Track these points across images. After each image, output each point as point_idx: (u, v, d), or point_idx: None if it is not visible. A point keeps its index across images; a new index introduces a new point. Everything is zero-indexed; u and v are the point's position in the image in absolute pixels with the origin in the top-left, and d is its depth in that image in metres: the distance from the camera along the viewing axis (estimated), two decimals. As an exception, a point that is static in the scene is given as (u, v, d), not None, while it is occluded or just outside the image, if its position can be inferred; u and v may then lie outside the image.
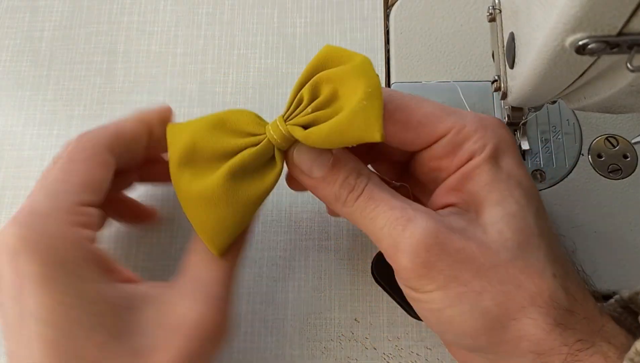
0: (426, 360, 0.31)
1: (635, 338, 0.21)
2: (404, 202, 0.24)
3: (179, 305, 0.24)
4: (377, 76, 0.23)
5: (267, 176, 0.25)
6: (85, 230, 0.24)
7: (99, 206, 0.25)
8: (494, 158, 0.24)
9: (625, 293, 0.24)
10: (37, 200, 0.24)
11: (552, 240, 0.24)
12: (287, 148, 0.25)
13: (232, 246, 0.26)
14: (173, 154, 0.25)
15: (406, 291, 0.24)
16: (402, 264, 0.23)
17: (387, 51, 0.38)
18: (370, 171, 0.26)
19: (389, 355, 0.31)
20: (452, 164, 0.25)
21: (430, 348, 0.31)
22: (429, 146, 0.25)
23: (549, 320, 0.22)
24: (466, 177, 0.24)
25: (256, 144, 0.24)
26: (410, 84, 0.36)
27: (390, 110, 0.24)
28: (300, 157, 0.25)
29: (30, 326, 0.21)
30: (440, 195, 0.25)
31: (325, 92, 0.23)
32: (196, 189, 0.24)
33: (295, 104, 0.24)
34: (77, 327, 0.21)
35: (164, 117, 0.28)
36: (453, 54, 0.36)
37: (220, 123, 0.25)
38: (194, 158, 0.24)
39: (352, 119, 0.22)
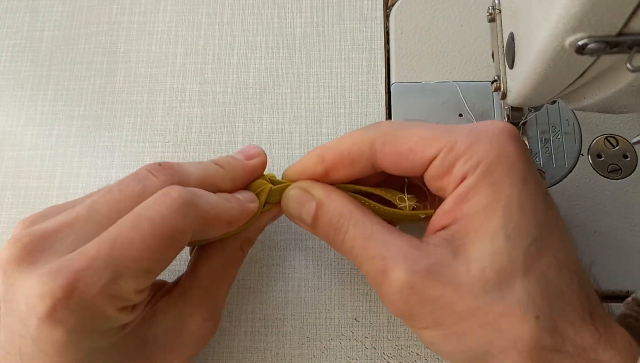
0: (426, 360, 0.31)
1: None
2: (384, 247, 0.24)
3: (194, 317, 0.26)
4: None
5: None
6: (123, 314, 0.22)
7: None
8: (491, 176, 0.23)
9: None
10: (89, 255, 0.21)
11: (550, 268, 0.22)
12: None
13: (234, 261, 0.28)
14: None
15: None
16: (390, 309, 0.24)
17: (387, 51, 0.38)
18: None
19: (389, 355, 0.31)
20: (449, 183, 0.24)
21: (430, 348, 0.31)
22: (426, 169, 0.25)
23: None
24: (461, 199, 0.23)
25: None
26: (410, 84, 0.36)
27: (380, 144, 0.25)
28: (288, 208, 0.27)
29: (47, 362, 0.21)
30: (438, 216, 0.25)
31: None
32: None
33: None
34: None
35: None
36: (453, 54, 0.36)
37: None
38: None
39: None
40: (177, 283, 0.27)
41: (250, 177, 0.28)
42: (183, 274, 0.28)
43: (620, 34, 0.17)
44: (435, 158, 0.24)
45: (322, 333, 0.31)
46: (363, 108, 0.36)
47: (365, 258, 0.24)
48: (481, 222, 0.22)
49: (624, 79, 0.19)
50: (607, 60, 0.19)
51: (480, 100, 0.35)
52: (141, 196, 0.22)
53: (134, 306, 0.23)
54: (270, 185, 0.28)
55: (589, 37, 0.17)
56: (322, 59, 0.38)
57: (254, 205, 0.26)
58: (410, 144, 0.24)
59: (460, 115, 0.35)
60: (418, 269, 0.23)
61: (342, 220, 0.25)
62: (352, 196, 0.26)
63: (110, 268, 0.20)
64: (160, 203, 0.21)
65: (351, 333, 0.31)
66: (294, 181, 0.27)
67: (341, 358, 0.31)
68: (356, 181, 0.27)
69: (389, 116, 0.36)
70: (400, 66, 0.36)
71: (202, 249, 0.28)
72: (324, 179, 0.27)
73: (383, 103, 0.36)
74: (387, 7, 0.39)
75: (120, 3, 0.40)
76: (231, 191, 0.27)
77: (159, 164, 0.24)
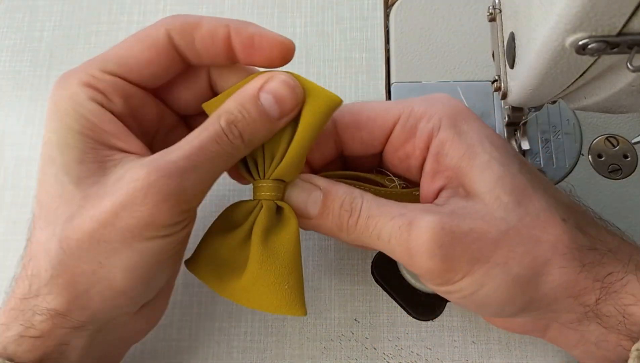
0: (426, 360, 0.31)
1: None
2: (402, 207, 0.24)
3: (138, 167, 0.22)
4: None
5: (288, 223, 0.25)
6: (97, 94, 0.23)
7: (132, 82, 0.24)
8: (457, 127, 0.24)
9: None
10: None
11: (547, 186, 0.24)
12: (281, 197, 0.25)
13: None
14: (208, 283, 0.26)
15: (434, 288, 0.25)
16: (422, 266, 0.23)
17: (387, 51, 0.38)
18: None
19: (389, 355, 0.31)
20: (415, 146, 0.25)
21: (430, 348, 0.31)
22: (387, 139, 0.26)
23: (575, 263, 0.22)
24: (439, 155, 0.24)
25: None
26: (410, 84, 0.36)
27: (338, 116, 0.25)
28: (293, 202, 0.25)
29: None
30: (427, 184, 0.25)
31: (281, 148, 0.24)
32: (245, 280, 0.24)
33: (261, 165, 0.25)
34: (58, 158, 0.23)
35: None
36: (453, 54, 0.36)
37: (223, 226, 0.26)
38: (222, 269, 0.25)
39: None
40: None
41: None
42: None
43: (620, 33, 0.17)
44: (395, 125, 0.25)
45: (322, 334, 0.31)
46: (363, 108, 0.36)
47: (385, 222, 0.23)
48: (470, 164, 0.23)
49: (624, 79, 0.19)
50: (607, 60, 0.19)
51: (480, 100, 0.35)
52: None
53: (102, 89, 0.24)
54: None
55: (589, 37, 0.17)
56: (322, 58, 0.38)
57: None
58: (366, 114, 0.25)
59: (461, 115, 0.34)
60: (443, 212, 0.23)
61: (355, 200, 0.24)
62: (346, 182, 0.26)
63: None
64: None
65: (351, 333, 0.31)
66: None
67: (341, 358, 0.31)
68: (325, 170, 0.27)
69: (389, 116, 0.36)
70: (400, 66, 0.36)
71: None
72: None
73: (383, 103, 0.36)
74: (387, 7, 0.39)
75: (120, 3, 0.40)
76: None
77: None
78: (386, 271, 0.32)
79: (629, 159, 0.33)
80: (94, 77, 0.23)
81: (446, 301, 0.32)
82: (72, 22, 0.40)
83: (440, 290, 0.24)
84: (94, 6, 0.40)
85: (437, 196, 0.25)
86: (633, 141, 0.34)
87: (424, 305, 0.32)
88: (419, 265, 0.23)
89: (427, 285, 0.25)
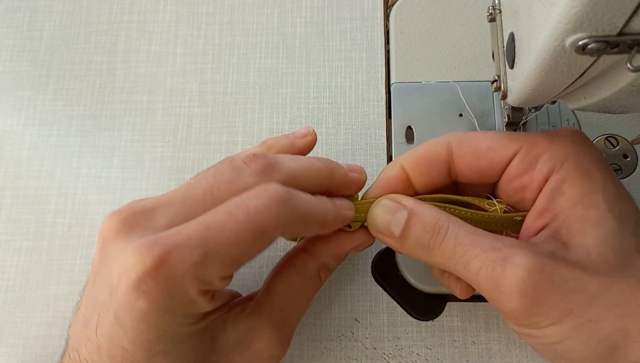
0: (426, 360, 0.31)
1: None
2: (495, 240, 0.23)
3: (263, 335, 0.25)
4: None
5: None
6: (203, 299, 0.22)
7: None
8: (581, 167, 0.23)
9: None
10: (183, 234, 0.21)
11: None
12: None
13: (310, 286, 0.28)
14: None
15: (515, 329, 0.24)
16: (509, 306, 0.22)
17: (387, 51, 0.38)
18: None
19: (389, 355, 0.31)
20: (533, 179, 0.24)
21: (430, 348, 0.31)
22: (505, 169, 0.25)
23: None
24: (555, 192, 0.23)
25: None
26: (410, 84, 0.36)
27: (457, 145, 0.25)
28: (375, 220, 0.25)
29: (121, 338, 0.22)
30: (532, 219, 0.24)
31: None
32: None
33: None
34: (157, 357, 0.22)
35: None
36: (453, 54, 0.36)
37: None
38: None
39: None
40: (250, 297, 0.27)
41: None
42: (258, 290, 0.27)
43: (620, 33, 0.17)
44: (514, 156, 0.24)
45: (322, 334, 0.31)
46: (363, 108, 0.36)
47: (475, 254, 0.22)
48: (584, 211, 0.22)
49: (624, 79, 0.19)
50: (607, 60, 0.19)
51: (480, 100, 0.35)
52: (234, 184, 0.23)
53: (213, 296, 0.23)
54: (356, 198, 0.27)
55: (589, 37, 0.17)
56: (322, 58, 0.38)
57: (349, 213, 0.26)
58: (487, 143, 0.25)
59: (461, 115, 0.34)
60: (542, 254, 0.22)
61: (439, 222, 0.24)
62: (440, 206, 0.25)
63: (201, 249, 0.21)
64: (257, 197, 0.22)
65: (351, 333, 0.31)
66: (378, 197, 0.26)
67: (341, 358, 0.31)
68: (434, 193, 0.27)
69: (389, 116, 0.36)
70: (400, 66, 0.36)
71: (280, 269, 0.27)
72: (407, 189, 0.26)
73: (383, 103, 0.36)
74: (387, 7, 0.39)
75: (120, 3, 0.40)
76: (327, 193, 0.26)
77: (254, 155, 0.24)
78: (386, 271, 0.32)
79: (629, 159, 0.33)
80: (211, 284, 0.22)
81: (446, 301, 0.32)
82: (72, 22, 0.40)
83: (522, 332, 0.23)
84: (94, 6, 0.40)
85: (537, 233, 0.24)
86: (633, 141, 0.33)
87: (424, 305, 0.32)
88: (507, 303, 0.22)
89: (508, 323, 0.24)
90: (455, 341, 0.31)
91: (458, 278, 0.26)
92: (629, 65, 0.17)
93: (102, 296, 0.22)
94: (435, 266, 0.26)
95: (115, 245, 0.21)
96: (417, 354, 0.31)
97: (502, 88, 0.26)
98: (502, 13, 0.26)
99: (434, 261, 0.24)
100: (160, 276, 0.20)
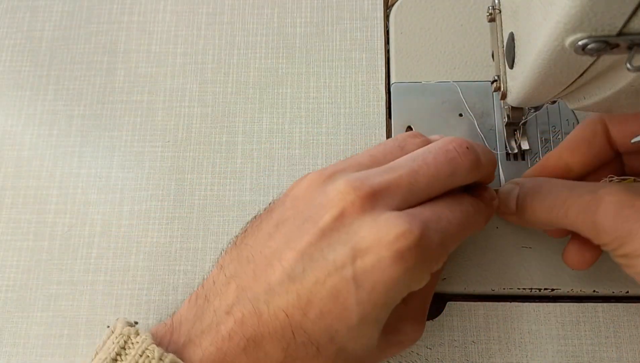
0: (426, 359, 0.31)
1: None
2: (594, 185, 0.25)
3: (409, 320, 0.26)
4: None
5: None
6: (426, 278, 0.24)
7: None
8: None
9: None
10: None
11: None
12: None
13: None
14: None
15: (616, 261, 0.25)
16: (605, 240, 0.24)
17: (387, 51, 0.38)
18: None
19: (389, 355, 0.31)
20: None
21: (430, 348, 0.31)
22: None
23: None
24: None
25: None
26: (410, 84, 0.36)
27: (610, 117, 0.27)
28: (501, 199, 0.29)
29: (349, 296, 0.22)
30: None
31: None
32: None
33: None
34: None
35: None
36: (453, 54, 0.36)
37: None
38: None
39: None
40: None
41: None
42: None
43: (620, 34, 0.17)
44: None
45: (322, 333, 0.31)
46: (363, 108, 0.36)
47: (574, 201, 0.25)
48: None
49: (624, 79, 0.19)
50: (607, 60, 0.19)
51: (480, 100, 0.35)
52: (453, 176, 0.25)
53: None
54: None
55: (589, 37, 0.17)
56: (322, 58, 0.38)
57: (495, 202, 0.28)
58: None
59: (460, 115, 0.35)
60: (632, 191, 0.24)
61: (539, 182, 0.27)
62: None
63: (441, 233, 0.23)
64: (477, 204, 0.26)
65: (351, 333, 0.31)
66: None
67: (341, 358, 0.31)
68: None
69: (389, 116, 0.36)
70: (400, 66, 0.36)
71: None
72: (567, 173, 0.28)
73: (383, 103, 0.36)
74: (387, 7, 0.39)
75: (120, 3, 0.40)
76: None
77: (467, 147, 0.25)
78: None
79: (628, 159, 0.33)
80: (435, 267, 0.24)
81: (446, 301, 0.32)
82: (72, 22, 0.40)
83: (622, 262, 0.25)
84: (94, 6, 0.40)
85: None
86: (633, 141, 0.33)
87: (424, 305, 0.32)
88: (603, 237, 0.24)
89: (611, 253, 0.26)
90: (455, 341, 0.31)
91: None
92: (628, 65, 0.17)
93: (336, 262, 0.22)
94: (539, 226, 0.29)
95: (359, 220, 0.23)
96: (417, 354, 0.31)
97: (502, 88, 0.26)
98: (501, 13, 0.26)
99: (538, 219, 0.27)
100: (419, 249, 0.22)
